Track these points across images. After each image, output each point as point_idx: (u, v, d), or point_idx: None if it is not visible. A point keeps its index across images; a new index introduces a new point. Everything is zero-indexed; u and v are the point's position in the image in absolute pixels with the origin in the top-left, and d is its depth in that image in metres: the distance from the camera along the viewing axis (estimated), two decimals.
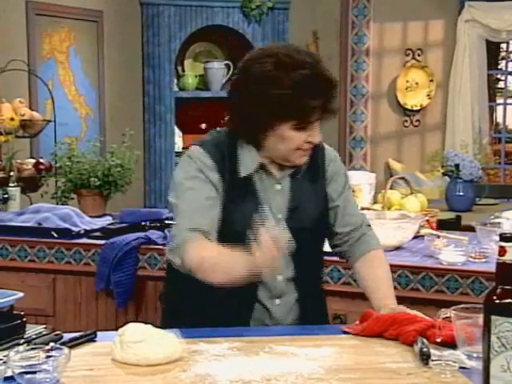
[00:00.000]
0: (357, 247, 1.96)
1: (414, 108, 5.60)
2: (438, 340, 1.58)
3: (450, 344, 1.56)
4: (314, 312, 1.93)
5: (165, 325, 1.78)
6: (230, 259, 1.66)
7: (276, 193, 1.86)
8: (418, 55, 5.59)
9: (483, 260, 2.46)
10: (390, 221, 2.69)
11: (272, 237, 1.55)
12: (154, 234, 2.86)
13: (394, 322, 1.67)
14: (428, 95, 5.58)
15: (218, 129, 1.93)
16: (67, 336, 1.63)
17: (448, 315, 1.58)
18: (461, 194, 3.91)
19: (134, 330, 1.55)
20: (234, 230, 1.78)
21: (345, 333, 1.72)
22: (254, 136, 1.81)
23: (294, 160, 1.83)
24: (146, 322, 1.62)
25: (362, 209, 2.89)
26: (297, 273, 1.87)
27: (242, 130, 1.83)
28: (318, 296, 1.99)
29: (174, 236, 1.79)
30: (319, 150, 1.92)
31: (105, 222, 3.13)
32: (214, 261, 1.68)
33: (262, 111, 1.74)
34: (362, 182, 3.05)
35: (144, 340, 1.51)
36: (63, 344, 1.52)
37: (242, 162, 1.82)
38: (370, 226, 2.01)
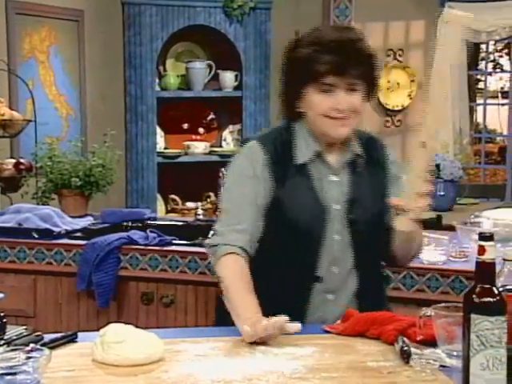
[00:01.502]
0: None
1: (396, 108, 5.63)
2: (419, 338, 1.59)
3: (431, 342, 1.57)
4: (374, 305, 1.85)
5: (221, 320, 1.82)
6: (232, 300, 1.72)
7: (332, 183, 1.86)
8: (400, 55, 5.62)
9: (463, 259, 2.48)
10: None
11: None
12: (135, 234, 2.85)
13: (374, 322, 1.67)
14: (409, 95, 5.61)
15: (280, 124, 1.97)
16: (48, 337, 1.62)
17: (429, 314, 1.59)
18: (441, 193, 3.94)
19: (115, 331, 1.54)
20: (288, 217, 1.82)
21: (326, 332, 1.73)
22: (293, 110, 1.86)
23: (329, 131, 1.82)
24: (127, 323, 1.62)
25: None
26: (356, 265, 1.86)
27: (283, 107, 1.90)
28: (378, 289, 1.96)
29: (215, 232, 1.83)
30: (380, 148, 1.95)
31: (86, 222, 3.12)
32: (225, 284, 1.76)
33: (288, 78, 1.85)
34: None
35: (125, 340, 1.51)
36: (44, 345, 1.51)
37: (297, 150, 1.86)
38: None
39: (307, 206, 1.82)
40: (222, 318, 1.84)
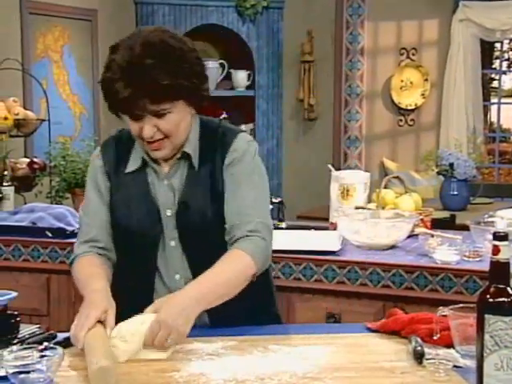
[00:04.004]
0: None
1: (409, 107, 5.61)
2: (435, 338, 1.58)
3: (448, 344, 1.56)
4: (231, 312, 1.70)
5: None
6: (80, 287, 1.70)
7: (163, 188, 1.77)
8: (413, 54, 5.60)
9: (477, 259, 2.47)
10: (384, 220, 2.69)
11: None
12: None
13: (411, 321, 1.67)
14: (422, 94, 5.59)
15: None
16: (61, 335, 1.63)
17: (445, 313, 1.58)
18: (455, 193, 3.92)
19: (126, 329, 1.55)
20: (122, 225, 1.78)
21: (368, 328, 1.72)
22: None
23: (147, 151, 1.75)
24: None
25: (357, 208, 2.90)
26: (195, 272, 1.71)
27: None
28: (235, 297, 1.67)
29: (74, 249, 1.85)
30: (226, 141, 1.78)
31: None
32: (76, 281, 1.76)
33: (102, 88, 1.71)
34: (356, 181, 3.05)
35: (132, 341, 1.52)
36: (57, 344, 1.52)
37: (131, 158, 1.80)
38: (256, 232, 1.71)
39: (140, 213, 1.75)
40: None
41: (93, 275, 1.71)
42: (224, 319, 1.72)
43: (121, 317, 1.59)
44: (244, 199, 1.74)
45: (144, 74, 1.61)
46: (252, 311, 1.80)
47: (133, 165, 1.79)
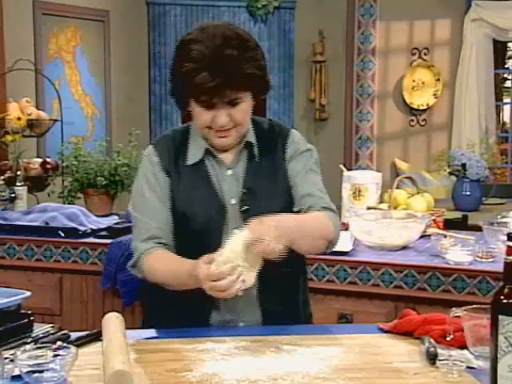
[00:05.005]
0: None
1: (421, 107, 5.59)
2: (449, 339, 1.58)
3: (462, 345, 1.56)
4: (283, 308, 1.81)
5: (145, 323, 1.85)
6: (173, 273, 1.71)
7: (227, 178, 1.82)
8: (425, 54, 5.59)
9: (490, 260, 2.46)
10: (396, 220, 2.68)
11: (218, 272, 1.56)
12: None
13: (424, 322, 1.66)
14: (434, 94, 5.57)
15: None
16: (74, 335, 1.63)
17: (458, 314, 1.58)
18: (467, 193, 3.90)
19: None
20: (186, 216, 1.79)
21: (380, 329, 1.73)
22: (183, 109, 1.82)
23: (212, 140, 1.79)
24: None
25: (369, 208, 2.90)
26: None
27: (180, 109, 1.86)
28: (288, 289, 1.84)
29: (133, 250, 1.83)
30: (283, 133, 1.89)
31: (111, 221, 3.13)
32: (162, 274, 1.75)
33: (173, 81, 1.78)
34: (368, 181, 3.05)
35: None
36: (70, 343, 1.52)
37: (190, 151, 1.83)
38: (330, 209, 1.84)
39: (203, 202, 1.78)
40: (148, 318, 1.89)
41: (178, 259, 1.73)
42: (275, 317, 1.78)
43: (175, 311, 1.64)
44: (315, 184, 1.87)
45: (228, 64, 1.68)
46: (297, 310, 1.88)
47: (193, 157, 1.82)
